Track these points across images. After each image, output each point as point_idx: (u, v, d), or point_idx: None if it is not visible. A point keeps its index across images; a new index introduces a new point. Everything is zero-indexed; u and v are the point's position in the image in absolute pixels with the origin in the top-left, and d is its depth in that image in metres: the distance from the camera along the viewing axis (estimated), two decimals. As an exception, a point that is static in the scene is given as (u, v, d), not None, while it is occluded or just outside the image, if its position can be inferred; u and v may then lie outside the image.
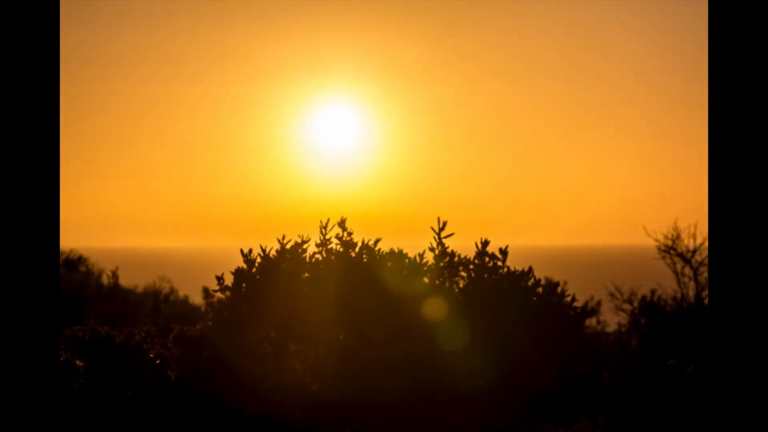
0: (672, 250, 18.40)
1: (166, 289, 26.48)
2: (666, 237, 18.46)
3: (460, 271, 7.87)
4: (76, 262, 24.62)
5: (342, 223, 8.06)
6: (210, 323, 8.00)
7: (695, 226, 18.26)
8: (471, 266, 7.85)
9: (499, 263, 7.81)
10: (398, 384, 7.65)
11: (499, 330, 7.64)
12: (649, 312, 18.94)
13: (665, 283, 18.99)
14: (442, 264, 7.87)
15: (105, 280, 24.22)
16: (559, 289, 7.84)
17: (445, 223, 7.91)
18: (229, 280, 8.05)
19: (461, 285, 7.87)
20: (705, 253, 18.26)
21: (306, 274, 8.00)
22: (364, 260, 7.94)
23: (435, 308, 7.77)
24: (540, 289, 7.80)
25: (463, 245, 7.92)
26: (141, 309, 22.65)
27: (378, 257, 7.93)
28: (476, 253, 7.85)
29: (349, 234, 8.04)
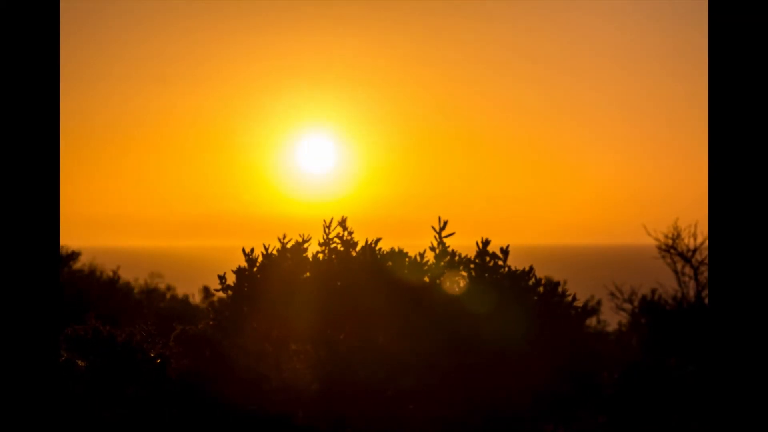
0: (672, 250, 18.39)
1: (162, 286, 26.49)
2: (666, 236, 18.45)
3: (461, 270, 7.87)
4: (69, 257, 24.57)
5: (343, 223, 8.06)
6: (211, 322, 8.00)
7: (695, 226, 18.25)
8: (472, 265, 7.84)
9: (500, 263, 7.81)
10: (399, 382, 7.65)
11: (499, 329, 7.64)
12: (650, 311, 18.94)
13: (666, 282, 18.98)
14: (442, 263, 7.87)
15: (104, 278, 24.23)
16: (559, 289, 7.84)
17: (446, 223, 7.91)
18: (230, 279, 8.05)
19: (462, 284, 7.87)
20: (705, 252, 18.25)
21: (307, 274, 8.00)
22: (366, 260, 7.94)
23: (435, 307, 7.77)
24: (541, 289, 7.80)
25: (463, 245, 7.92)
26: (141, 308, 22.65)
27: (379, 256, 7.93)
28: (477, 252, 7.84)
29: (350, 234, 8.04)
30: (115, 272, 24.52)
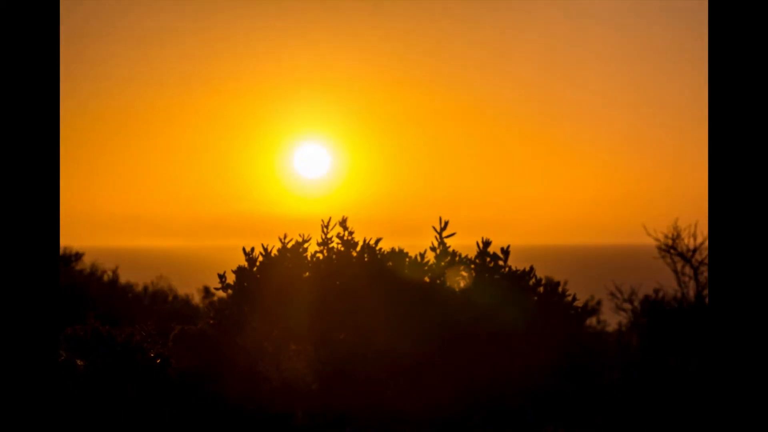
0: (672, 250, 18.40)
1: (165, 288, 26.46)
2: (666, 236, 18.46)
3: (461, 270, 7.88)
4: (71, 258, 24.57)
5: (343, 223, 8.07)
6: (211, 322, 8.02)
7: (695, 226, 18.26)
8: (472, 266, 7.85)
9: (501, 263, 7.82)
10: (399, 382, 7.66)
11: (500, 328, 7.65)
12: (650, 311, 18.96)
13: (665, 282, 18.99)
14: (443, 263, 7.88)
15: (105, 278, 24.22)
16: (559, 289, 7.84)
17: (446, 223, 7.92)
18: (230, 278, 8.07)
19: (462, 284, 7.87)
20: (705, 252, 18.27)
21: (307, 273, 8.01)
22: (366, 259, 7.95)
23: (436, 307, 7.77)
24: (541, 289, 7.81)
25: (464, 245, 7.92)
26: (142, 308, 22.64)
27: (379, 256, 7.94)
28: (477, 252, 7.85)
29: (350, 233, 8.05)
30: (115, 272, 24.52)
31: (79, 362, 7.68)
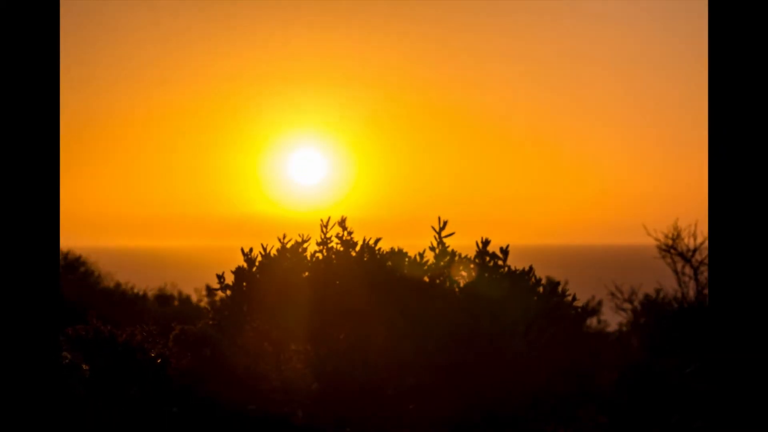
0: (672, 250, 18.41)
1: (174, 293, 26.55)
2: (666, 236, 18.47)
3: (460, 270, 7.88)
4: (75, 263, 24.61)
5: (342, 223, 8.07)
6: (211, 322, 8.02)
7: (695, 225, 18.28)
8: (471, 265, 7.85)
9: (500, 263, 7.82)
10: (399, 381, 7.66)
11: (499, 328, 7.65)
12: (651, 311, 18.97)
13: (666, 282, 19.00)
14: (442, 263, 7.88)
15: (107, 280, 24.25)
16: (559, 289, 7.84)
17: (445, 223, 7.92)
18: (230, 279, 8.08)
19: (462, 284, 7.87)
20: (705, 252, 18.27)
21: (306, 274, 8.02)
22: (365, 259, 7.95)
23: (435, 307, 7.78)
24: (541, 289, 7.80)
25: (463, 245, 7.92)
26: (142, 308, 22.67)
27: (378, 256, 7.94)
28: (477, 252, 7.85)
29: (350, 233, 8.05)
30: (120, 281, 24.55)
31: (80, 362, 7.69)
